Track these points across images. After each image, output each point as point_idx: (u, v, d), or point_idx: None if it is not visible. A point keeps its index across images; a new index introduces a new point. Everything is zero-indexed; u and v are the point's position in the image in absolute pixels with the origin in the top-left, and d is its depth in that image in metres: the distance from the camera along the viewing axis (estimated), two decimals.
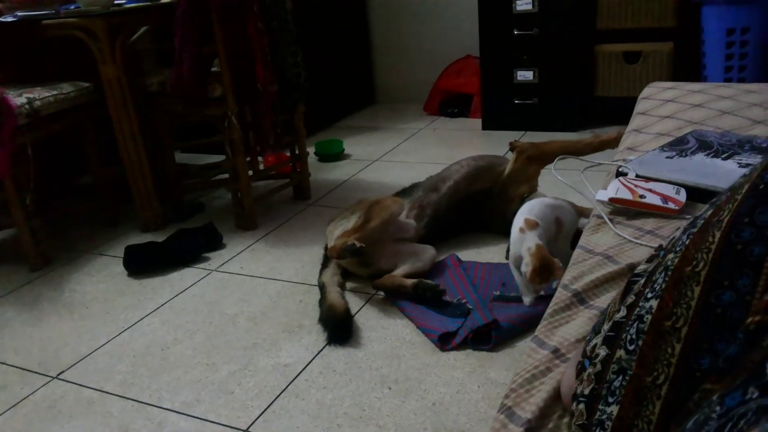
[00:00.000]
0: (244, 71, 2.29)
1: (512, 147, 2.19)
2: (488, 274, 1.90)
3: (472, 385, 1.46)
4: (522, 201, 2.12)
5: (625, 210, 0.95)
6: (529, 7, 3.16)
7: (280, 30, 2.39)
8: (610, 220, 0.95)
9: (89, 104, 2.45)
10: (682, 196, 0.95)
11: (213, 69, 2.36)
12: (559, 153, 2.16)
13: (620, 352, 0.46)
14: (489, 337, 1.59)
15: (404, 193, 2.19)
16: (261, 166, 2.81)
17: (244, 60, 2.27)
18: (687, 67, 3.05)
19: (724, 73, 2.88)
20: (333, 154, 3.19)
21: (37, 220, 2.24)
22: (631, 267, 0.80)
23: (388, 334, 1.69)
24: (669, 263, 0.45)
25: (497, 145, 3.20)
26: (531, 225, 1.62)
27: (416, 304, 1.77)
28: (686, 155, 1.07)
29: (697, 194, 0.96)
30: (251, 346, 1.69)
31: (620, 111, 3.25)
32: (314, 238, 2.30)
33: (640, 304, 0.46)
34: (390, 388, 1.47)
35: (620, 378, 0.44)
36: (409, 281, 1.79)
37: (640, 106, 1.51)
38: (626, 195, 0.95)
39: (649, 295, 0.45)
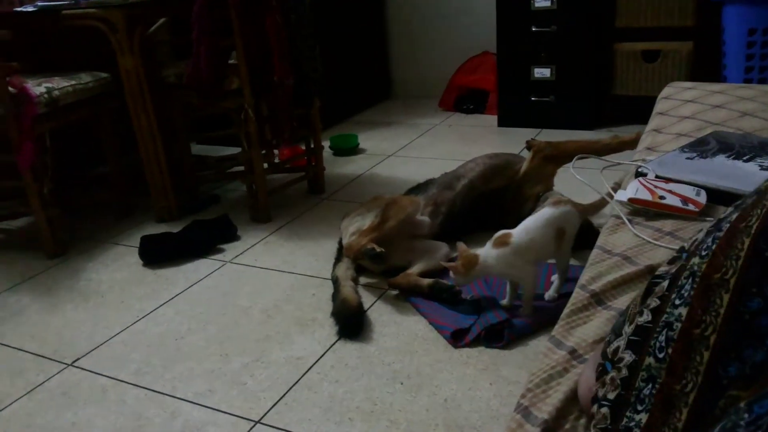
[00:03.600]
0: (261, 64, 2.29)
1: (529, 146, 2.18)
2: None
3: (484, 382, 1.45)
4: (537, 200, 2.12)
5: (644, 211, 0.95)
6: (548, 3, 3.14)
7: (298, 24, 2.40)
8: (629, 220, 0.94)
9: (107, 94, 2.47)
10: (703, 198, 0.94)
11: (230, 62, 2.37)
12: (577, 153, 2.14)
13: (649, 360, 0.45)
14: (502, 335, 1.59)
15: (419, 189, 2.19)
16: (276, 159, 2.81)
17: (262, 53, 2.28)
18: (706, 67, 3.02)
19: (745, 73, 2.85)
20: (348, 149, 3.20)
21: (54, 208, 2.26)
22: (651, 268, 0.80)
23: (401, 330, 1.69)
24: (695, 268, 0.44)
25: (513, 142, 3.19)
26: (499, 243, 1.61)
27: (429, 301, 1.77)
28: (707, 156, 1.06)
29: (717, 196, 0.95)
30: (264, 339, 1.70)
31: (638, 110, 3.23)
32: (328, 232, 2.30)
33: (668, 310, 0.45)
34: (402, 384, 1.47)
35: (650, 386, 0.44)
36: (425, 281, 1.79)
37: (659, 106, 1.49)
38: (646, 196, 0.94)
39: (678, 302, 0.44)
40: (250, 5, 2.21)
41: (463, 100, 3.79)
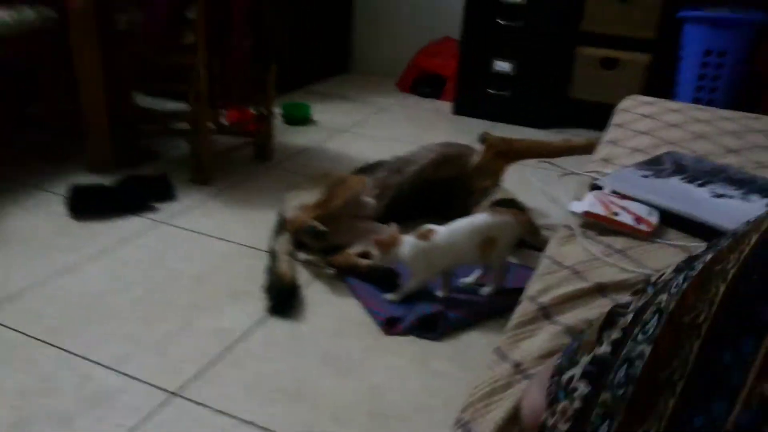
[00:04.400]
0: (220, 21, 2.19)
1: (483, 139, 2.17)
2: None
3: (414, 373, 1.44)
4: (484, 194, 2.11)
5: (596, 224, 0.94)
6: None
7: None
8: (581, 232, 0.93)
9: (50, 32, 2.30)
10: (655, 219, 0.94)
11: (188, 15, 2.24)
12: (529, 153, 2.16)
13: (607, 395, 0.43)
14: (435, 326, 1.58)
15: (368, 169, 2.15)
16: (224, 121, 2.71)
17: (222, 10, 2.17)
18: (661, 81, 3.08)
19: (695, 92, 2.92)
20: (300, 118, 3.11)
21: None
22: (600, 287, 0.78)
23: (335, 311, 1.65)
24: (663, 305, 0.43)
25: (465, 131, 3.18)
26: (421, 235, 1.62)
27: (366, 284, 1.74)
28: (662, 177, 1.06)
29: (669, 218, 0.95)
30: (191, 306, 1.63)
31: (592, 115, 3.26)
32: (270, 202, 2.23)
33: (629, 343, 0.43)
34: (330, 367, 1.44)
35: (607, 423, 0.42)
36: (364, 262, 1.76)
37: (617, 118, 1.49)
38: (600, 210, 0.93)
39: (640, 338, 0.42)
40: None
41: (421, 82, 3.75)
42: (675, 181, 1.05)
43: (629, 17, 3.03)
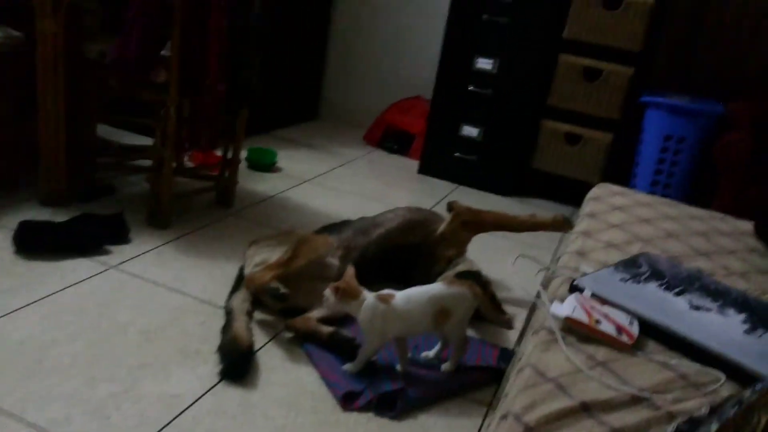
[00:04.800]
0: (195, 63, 2.15)
1: (450, 207, 2.16)
2: None
3: None
4: (449, 263, 2.10)
5: (577, 330, 0.92)
6: (489, 67, 3.19)
7: (244, 31, 2.28)
8: (562, 337, 0.91)
9: (15, 55, 2.22)
10: (635, 329, 0.93)
11: (163, 53, 2.20)
12: (495, 225, 2.17)
13: None
14: (394, 404, 1.53)
15: (333, 228, 2.11)
16: (189, 163, 2.65)
17: (199, 52, 2.13)
18: (622, 160, 3.17)
19: (654, 174, 3.01)
20: (265, 165, 3.07)
21: None
22: (584, 406, 0.76)
23: (290, 380, 1.59)
24: None
25: (430, 192, 3.19)
26: (380, 299, 1.58)
27: (325, 352, 1.69)
28: (639, 281, 1.06)
29: (649, 329, 0.94)
30: (138, 366, 1.54)
31: (554, 187, 3.34)
32: (229, 253, 2.17)
33: None
34: None
35: None
36: (325, 329, 1.71)
37: (588, 208, 1.51)
38: (582, 316, 0.92)
39: None
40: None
41: (389, 138, 3.77)
42: (653, 288, 1.05)
43: (595, 96, 3.12)
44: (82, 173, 2.41)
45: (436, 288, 1.64)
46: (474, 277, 2.00)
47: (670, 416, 0.76)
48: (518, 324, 1.97)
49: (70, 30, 2.17)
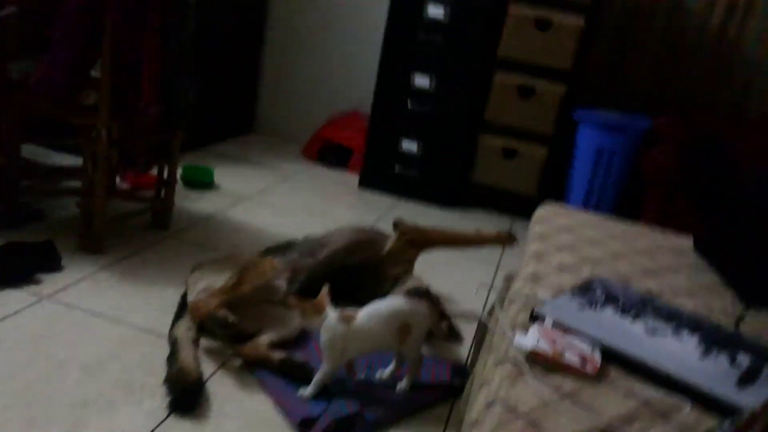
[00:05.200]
0: (127, 85, 2.07)
1: (396, 226, 2.17)
2: None
3: None
4: (396, 281, 2.10)
5: (542, 362, 0.93)
6: (426, 84, 3.22)
7: (177, 51, 2.21)
8: (528, 369, 0.92)
9: None
10: (598, 357, 0.95)
11: (92, 73, 2.10)
12: (441, 242, 2.19)
13: None
14: (352, 427, 1.51)
15: (278, 250, 2.07)
16: (123, 185, 2.54)
17: (131, 74, 2.06)
18: (557, 172, 3.26)
19: (588, 185, 3.12)
20: (202, 183, 2.99)
21: None
22: None
23: (243, 409, 1.55)
24: None
25: (371, 206, 3.19)
26: (342, 318, 1.57)
27: (278, 378, 1.65)
28: (596, 308, 1.09)
29: (610, 356, 0.97)
30: (81, 404, 1.46)
31: (494, 199, 3.41)
32: (168, 278, 2.09)
33: None
34: None
35: None
36: (276, 355, 1.67)
37: (536, 229, 1.54)
38: (547, 348, 0.93)
39: None
40: (129, 20, 1.99)
41: (327, 151, 3.74)
42: (609, 313, 1.08)
43: (530, 112, 3.21)
44: (7, 198, 2.28)
45: (397, 303, 1.64)
46: (423, 292, 2.02)
47: None
48: (467, 337, 1.99)
49: None
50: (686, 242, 1.58)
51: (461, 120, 3.25)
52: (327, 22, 3.91)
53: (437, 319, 1.96)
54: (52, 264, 2.02)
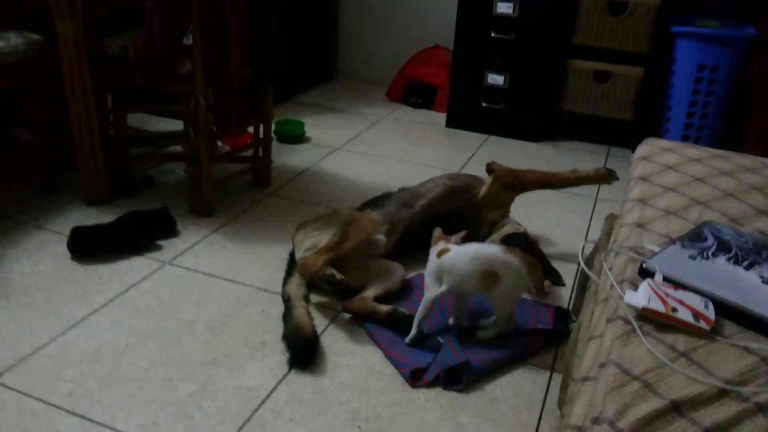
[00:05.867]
0: (217, 50, 2.13)
1: (489, 170, 2.16)
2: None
3: (444, 430, 1.44)
4: (493, 225, 2.11)
5: (654, 318, 0.94)
6: (510, 11, 3.11)
7: (258, 8, 2.24)
8: (639, 327, 0.92)
9: (38, 59, 2.22)
10: (711, 313, 0.94)
11: (184, 42, 2.18)
12: (536, 184, 2.17)
13: None
14: (460, 377, 1.58)
15: (375, 203, 2.12)
16: (225, 148, 2.65)
17: (219, 38, 2.11)
18: (654, 93, 3.10)
19: (689, 106, 2.95)
20: (294, 136, 3.06)
21: None
22: (675, 405, 0.79)
23: (356, 361, 1.64)
24: None
25: (461, 145, 3.17)
26: (440, 252, 1.67)
27: (386, 330, 1.73)
28: (707, 257, 1.07)
29: (724, 310, 0.95)
30: (211, 362, 1.60)
31: (585, 127, 3.31)
32: (275, 236, 2.20)
33: None
34: (360, 428, 1.43)
35: None
36: (383, 308, 1.75)
37: (639, 169, 1.49)
38: (658, 305, 0.93)
39: None
40: None
41: (412, 92, 3.72)
42: (722, 263, 1.05)
43: (622, 31, 3.04)
44: (120, 168, 2.44)
45: (486, 249, 1.68)
46: (521, 237, 2.01)
47: (759, 408, 0.79)
48: (568, 281, 1.99)
49: (89, 28, 2.15)
50: None
51: (548, 46, 3.13)
52: None
53: (539, 277, 1.87)
54: (170, 230, 2.17)
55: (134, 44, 2.16)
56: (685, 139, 2.98)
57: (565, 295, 1.96)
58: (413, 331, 1.67)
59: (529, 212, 2.40)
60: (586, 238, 2.31)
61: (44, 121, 2.33)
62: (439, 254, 1.67)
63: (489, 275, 1.61)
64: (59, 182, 2.42)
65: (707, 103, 2.93)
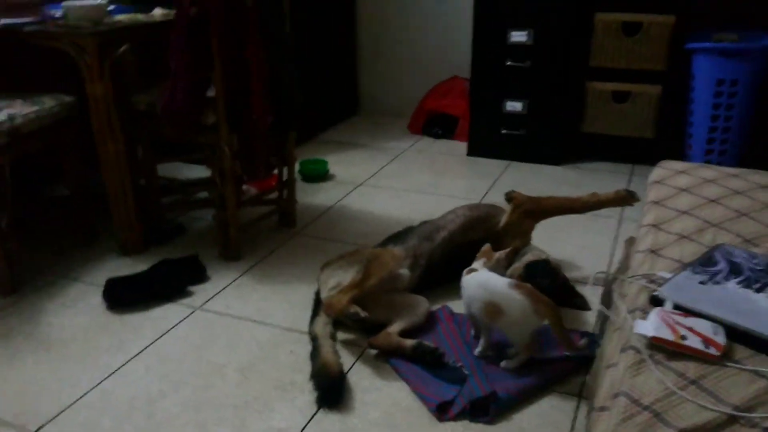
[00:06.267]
0: (240, 100, 2.21)
1: (509, 198, 2.18)
2: None
3: None
4: (516, 254, 2.12)
5: (664, 347, 0.94)
6: (524, 39, 3.15)
7: (278, 54, 2.32)
8: (650, 356, 0.93)
9: (71, 119, 2.33)
10: (721, 338, 0.94)
11: (208, 95, 2.26)
12: (557, 210, 2.18)
13: None
14: (487, 409, 1.58)
15: (397, 238, 2.16)
16: (251, 191, 2.73)
17: (242, 89, 2.19)
18: (674, 111, 3.09)
19: (711, 121, 2.93)
20: (318, 175, 3.13)
21: (13, 242, 2.12)
22: None
23: (383, 397, 1.66)
24: None
25: (483, 174, 3.20)
26: (467, 271, 1.80)
27: (412, 364, 1.75)
28: (718, 281, 1.07)
29: (735, 334, 0.96)
30: (242, 405, 1.64)
31: (606, 148, 3.31)
32: (302, 276, 2.25)
33: None
34: None
35: None
36: (408, 342, 1.77)
37: (653, 194, 1.50)
38: (667, 334, 0.94)
39: None
40: (231, 37, 2.12)
41: (432, 123, 3.77)
42: (733, 287, 1.06)
43: (638, 50, 3.05)
44: (152, 217, 2.53)
45: (494, 280, 1.73)
46: (543, 264, 2.02)
47: None
48: (594, 305, 1.98)
49: (117, 86, 2.26)
50: None
51: (565, 70, 3.15)
52: None
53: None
54: (200, 276, 2.23)
55: (160, 100, 2.26)
56: (708, 153, 2.96)
57: (591, 320, 1.95)
58: (480, 346, 1.77)
59: (553, 237, 2.41)
60: (609, 263, 2.29)
61: (80, 177, 2.44)
62: (467, 272, 1.79)
63: (492, 306, 1.67)
64: (95, 234, 2.52)
65: (729, 117, 2.91)
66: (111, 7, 2.36)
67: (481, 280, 1.72)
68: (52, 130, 2.26)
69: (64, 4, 2.19)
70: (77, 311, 2.06)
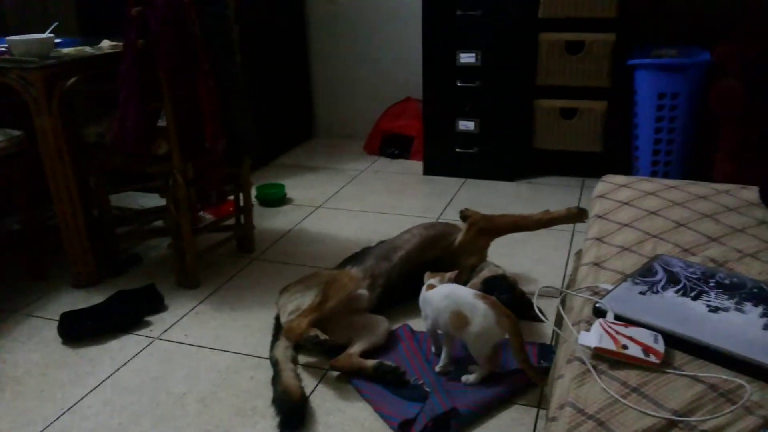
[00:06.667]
0: (191, 129, 2.22)
1: (464, 217, 2.22)
2: None
3: None
4: (471, 271, 2.17)
5: (607, 357, 0.98)
6: (473, 60, 3.23)
7: (230, 85, 2.34)
8: (593, 367, 0.97)
9: (20, 153, 2.30)
10: (661, 346, 0.99)
11: (159, 124, 2.26)
12: (511, 228, 2.23)
13: None
14: (448, 425, 1.61)
15: (355, 259, 2.18)
16: (207, 217, 2.72)
17: (193, 118, 2.20)
18: (620, 124, 3.20)
19: (655, 134, 3.04)
20: (275, 200, 3.14)
21: None
22: None
23: (346, 419, 1.67)
24: None
25: (439, 192, 3.25)
26: (428, 287, 1.85)
27: (374, 384, 1.76)
28: (657, 291, 1.12)
29: (674, 341, 1.00)
30: None
31: (556, 163, 3.40)
32: (261, 301, 2.25)
33: None
34: None
35: None
36: (369, 363, 1.78)
37: (597, 208, 1.56)
38: (610, 344, 0.98)
39: None
40: (179, 68, 2.13)
41: (388, 144, 3.82)
42: (671, 296, 1.11)
43: (582, 68, 3.15)
44: (106, 248, 2.50)
45: (460, 290, 1.77)
46: (500, 279, 2.06)
47: None
48: (550, 316, 2.03)
49: (66, 119, 2.24)
50: (753, 195, 1.55)
51: (513, 89, 3.24)
52: (365, 15, 3.95)
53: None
54: (157, 305, 2.21)
55: (110, 131, 2.25)
56: (655, 164, 3.07)
57: (548, 332, 2.00)
58: (441, 362, 1.80)
59: (509, 252, 2.46)
60: (564, 275, 2.36)
61: (32, 211, 2.40)
62: (427, 288, 1.84)
63: (458, 316, 1.70)
64: (48, 268, 2.47)
65: (672, 129, 3.02)
66: (58, 41, 2.34)
67: (447, 292, 1.77)
68: (1, 162, 2.23)
69: (8, 39, 2.17)
70: (32, 347, 2.01)
